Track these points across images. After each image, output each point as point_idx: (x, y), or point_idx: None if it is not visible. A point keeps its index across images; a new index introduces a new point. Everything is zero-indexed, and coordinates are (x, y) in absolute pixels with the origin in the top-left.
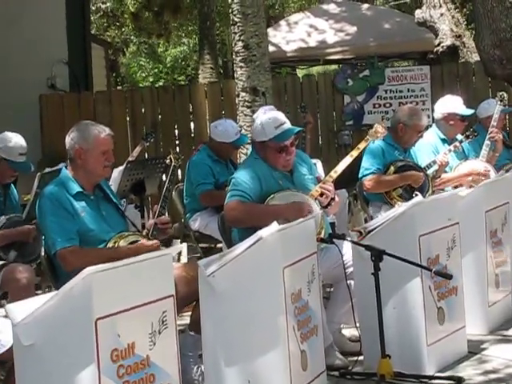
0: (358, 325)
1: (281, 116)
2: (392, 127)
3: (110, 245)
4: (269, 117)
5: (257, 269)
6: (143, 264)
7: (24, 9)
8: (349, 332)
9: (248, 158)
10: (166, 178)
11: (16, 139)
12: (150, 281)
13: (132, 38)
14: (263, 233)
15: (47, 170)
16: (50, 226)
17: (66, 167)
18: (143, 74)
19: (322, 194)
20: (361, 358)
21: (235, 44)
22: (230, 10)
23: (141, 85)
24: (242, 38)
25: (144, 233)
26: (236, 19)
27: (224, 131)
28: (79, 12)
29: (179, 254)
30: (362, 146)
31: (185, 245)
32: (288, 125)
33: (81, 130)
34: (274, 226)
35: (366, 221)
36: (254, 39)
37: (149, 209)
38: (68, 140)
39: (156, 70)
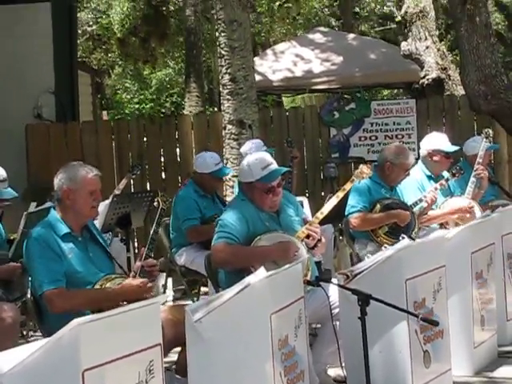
0: (343, 365)
1: (267, 157)
2: (379, 165)
3: (97, 287)
4: (255, 157)
5: (244, 315)
6: (130, 314)
7: (11, 38)
8: (334, 372)
9: (235, 200)
10: (153, 220)
11: None
12: (138, 330)
13: (118, 60)
14: (251, 279)
15: (33, 209)
16: (37, 267)
17: (54, 208)
18: (128, 96)
19: (308, 236)
20: None
21: (222, 77)
22: (218, 43)
23: (126, 110)
24: (228, 70)
25: (131, 275)
26: (223, 52)
27: (203, 162)
28: (66, 41)
29: (164, 287)
30: (347, 186)
31: (170, 279)
32: (275, 165)
33: (69, 171)
34: (262, 273)
35: (351, 256)
36: (241, 72)
37: (134, 242)
38: (56, 181)
39: (141, 96)
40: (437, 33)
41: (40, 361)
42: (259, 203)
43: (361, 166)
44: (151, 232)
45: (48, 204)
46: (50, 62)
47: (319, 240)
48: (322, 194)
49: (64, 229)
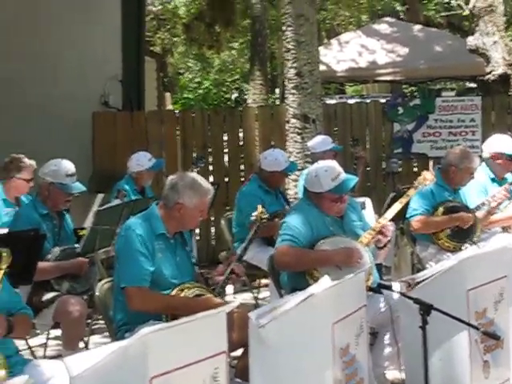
0: (402, 367)
1: (336, 166)
2: (443, 169)
3: (174, 292)
4: (325, 167)
5: (307, 324)
6: (197, 322)
7: (79, 25)
8: (392, 375)
9: (300, 203)
10: (217, 212)
11: (62, 162)
12: (204, 338)
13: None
14: (315, 289)
15: (100, 202)
16: (128, 260)
17: (157, 204)
18: (190, 76)
19: (381, 232)
20: None
21: (287, 71)
22: (284, 37)
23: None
24: (294, 65)
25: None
26: (289, 46)
27: (274, 160)
28: (135, 29)
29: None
30: (410, 192)
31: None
32: (343, 175)
33: (188, 187)
34: (326, 282)
35: (412, 255)
36: (306, 67)
37: (195, 236)
38: (170, 187)
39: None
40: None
41: (109, 366)
42: (326, 210)
43: (424, 172)
44: (244, 246)
45: (116, 202)
46: (117, 50)
47: (388, 241)
48: (384, 188)
49: (161, 228)
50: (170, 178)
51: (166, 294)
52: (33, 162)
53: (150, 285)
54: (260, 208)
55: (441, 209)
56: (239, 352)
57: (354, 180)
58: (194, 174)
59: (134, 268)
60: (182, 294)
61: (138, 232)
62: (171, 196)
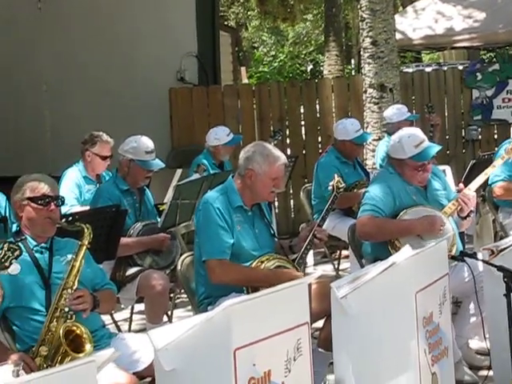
0: (487, 337)
1: (420, 133)
2: None
3: (255, 264)
4: (408, 134)
5: (389, 293)
6: (280, 293)
7: (154, 3)
8: (476, 344)
9: (383, 172)
10: (315, 200)
11: (141, 139)
12: (286, 309)
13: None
14: (396, 258)
15: (178, 176)
16: (208, 234)
17: (232, 177)
18: (264, 50)
19: (462, 202)
20: (491, 373)
21: (363, 40)
22: (359, 6)
23: (265, 68)
24: (370, 34)
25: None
26: (364, 15)
27: (343, 129)
28: (209, 5)
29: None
30: (497, 163)
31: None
32: (427, 143)
33: (258, 153)
34: (408, 251)
35: (494, 222)
36: (382, 35)
37: (275, 208)
38: (243, 156)
39: (279, 50)
40: None
41: (193, 339)
42: (409, 179)
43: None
44: (320, 217)
45: (195, 176)
46: (192, 26)
47: (472, 211)
48: (464, 156)
49: (238, 201)
50: (244, 148)
51: (246, 266)
52: (110, 139)
53: (230, 257)
54: (336, 177)
55: None
56: (321, 323)
57: (436, 148)
58: (266, 144)
59: (214, 241)
60: (262, 266)
61: (216, 205)
62: (243, 164)
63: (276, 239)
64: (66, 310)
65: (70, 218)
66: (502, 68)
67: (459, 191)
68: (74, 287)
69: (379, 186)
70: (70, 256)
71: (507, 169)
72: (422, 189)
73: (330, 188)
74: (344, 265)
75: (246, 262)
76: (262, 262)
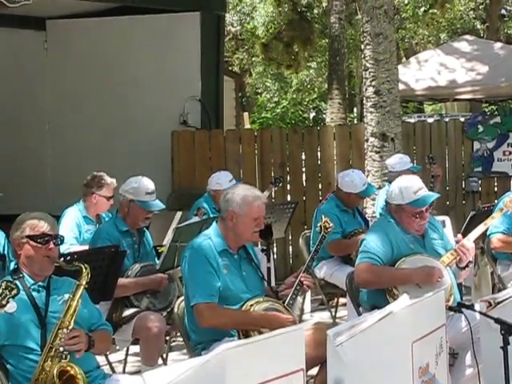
0: None
1: (418, 181)
2: None
3: (244, 307)
4: (407, 181)
5: (385, 342)
6: (275, 339)
7: (160, 47)
8: None
9: (380, 220)
10: (308, 244)
11: (142, 180)
12: (282, 355)
13: (260, 62)
14: (394, 307)
15: (178, 218)
16: (195, 279)
17: (216, 222)
18: (268, 96)
19: (461, 252)
20: None
21: (366, 89)
22: (362, 56)
23: (268, 114)
24: (373, 83)
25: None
26: (368, 65)
27: (350, 182)
28: (214, 50)
29: (303, 300)
30: (496, 215)
31: (308, 293)
32: (425, 190)
33: (236, 194)
34: (405, 300)
35: (492, 275)
36: (385, 85)
37: (274, 253)
38: (223, 199)
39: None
40: None
41: (187, 382)
42: (406, 226)
43: (509, 193)
44: (308, 258)
45: (195, 219)
46: (197, 71)
47: (470, 261)
48: (464, 207)
49: (222, 245)
50: (223, 192)
51: (235, 309)
52: (113, 180)
53: (219, 301)
54: (323, 218)
55: None
56: (315, 370)
57: (434, 195)
58: (244, 185)
59: (201, 285)
60: (252, 309)
61: (201, 251)
62: (224, 206)
63: (266, 283)
64: (61, 349)
65: (69, 258)
66: (503, 121)
67: (458, 242)
68: (70, 327)
69: (377, 234)
70: (67, 295)
71: (506, 221)
72: (419, 237)
73: (317, 229)
74: (341, 312)
75: (235, 306)
76: (252, 305)
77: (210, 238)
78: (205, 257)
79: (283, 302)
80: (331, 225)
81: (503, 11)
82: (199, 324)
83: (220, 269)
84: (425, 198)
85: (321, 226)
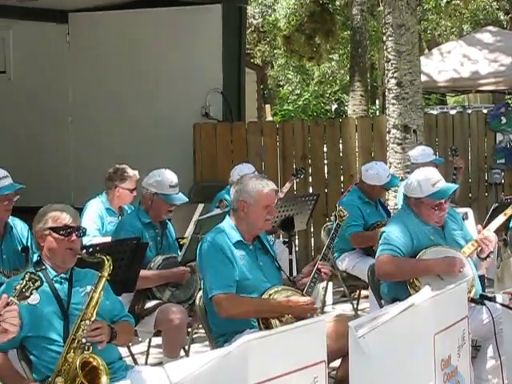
0: (506, 382)
1: (436, 173)
2: None
3: (265, 297)
4: (425, 173)
5: (407, 334)
6: (297, 331)
7: (182, 39)
8: None
9: (399, 212)
10: (329, 235)
11: (165, 173)
12: (303, 347)
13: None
14: (416, 299)
15: (200, 211)
16: (211, 271)
17: (229, 215)
18: (290, 88)
19: (483, 243)
20: None
21: (388, 81)
22: (385, 47)
23: (290, 106)
24: (395, 75)
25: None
26: (390, 56)
27: (375, 174)
28: (235, 42)
29: (325, 289)
30: None
31: (330, 285)
32: (443, 182)
33: (246, 184)
34: (427, 292)
35: None
36: (407, 77)
37: (296, 245)
38: (233, 191)
39: (304, 88)
40: None
41: (210, 373)
42: (425, 218)
43: None
44: (324, 247)
45: (216, 211)
46: (218, 63)
47: (491, 252)
48: (487, 199)
49: (237, 236)
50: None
51: (253, 298)
52: (136, 172)
53: (237, 292)
54: (338, 206)
55: None
56: (337, 362)
57: (453, 187)
58: (252, 175)
59: (218, 276)
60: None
61: (215, 243)
62: (234, 198)
63: (283, 273)
64: (84, 341)
65: (91, 250)
66: None
67: (478, 232)
68: (92, 318)
69: (397, 225)
70: (89, 287)
71: None
72: (439, 229)
73: (332, 218)
74: (363, 305)
75: (255, 295)
76: (270, 294)
77: (224, 230)
78: (220, 248)
79: (302, 291)
80: (346, 213)
81: None
82: (219, 315)
83: (236, 259)
84: (444, 189)
85: (335, 215)
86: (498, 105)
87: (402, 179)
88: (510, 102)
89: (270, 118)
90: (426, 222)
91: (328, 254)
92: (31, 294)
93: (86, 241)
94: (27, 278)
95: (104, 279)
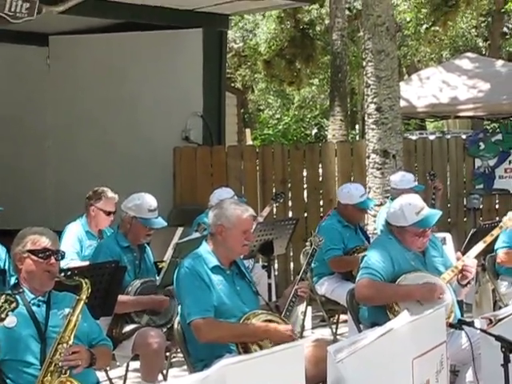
0: None
1: (419, 200)
2: None
3: (243, 321)
4: (408, 201)
5: (386, 359)
6: (275, 355)
7: (163, 63)
8: None
9: (381, 237)
10: (305, 260)
11: (144, 197)
12: (281, 372)
13: (263, 78)
14: (394, 324)
15: (179, 234)
16: (188, 296)
17: (205, 240)
18: (270, 112)
19: (462, 271)
20: None
21: (368, 106)
22: (364, 72)
23: (270, 130)
24: (374, 100)
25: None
26: (370, 82)
27: (347, 193)
28: (216, 67)
29: (304, 314)
30: (495, 232)
31: (309, 309)
32: (427, 209)
33: (224, 209)
34: (405, 317)
35: (493, 292)
36: (386, 102)
37: (275, 269)
38: (211, 216)
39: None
40: None
41: None
42: (409, 245)
43: (509, 213)
44: (301, 272)
45: (195, 235)
46: (199, 87)
47: (472, 278)
48: (465, 224)
49: (214, 261)
50: (211, 208)
51: (232, 322)
52: (115, 195)
53: (215, 317)
54: (313, 232)
55: None
56: None
57: (437, 214)
58: (230, 200)
59: (196, 301)
60: (249, 322)
61: (192, 268)
62: (213, 222)
63: (261, 298)
64: (61, 364)
65: (69, 273)
66: (504, 138)
67: (458, 259)
68: (70, 342)
69: (378, 250)
70: (67, 310)
71: (508, 236)
72: (420, 254)
73: (307, 243)
74: (342, 329)
75: (232, 320)
76: (248, 319)
77: (201, 255)
78: (197, 274)
79: (280, 314)
80: (321, 238)
81: (505, 29)
82: (198, 340)
83: (213, 284)
84: (428, 217)
85: (311, 240)
86: (476, 131)
87: (382, 204)
88: (488, 127)
89: (250, 142)
90: (407, 248)
91: (305, 278)
92: (7, 315)
93: (64, 264)
94: (3, 300)
95: (82, 302)
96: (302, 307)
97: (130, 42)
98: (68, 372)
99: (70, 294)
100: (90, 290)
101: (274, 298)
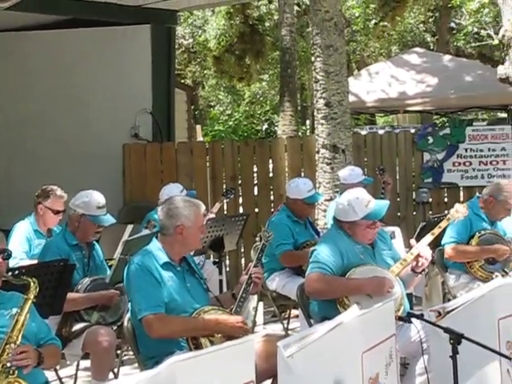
0: None
1: (366, 194)
2: (482, 198)
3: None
4: (356, 196)
5: (336, 353)
6: (225, 351)
7: (110, 59)
8: None
9: (330, 231)
10: (255, 255)
11: (92, 194)
12: (232, 367)
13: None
14: (344, 318)
15: (129, 232)
16: (138, 292)
17: (156, 237)
18: (221, 108)
19: (418, 257)
20: None
21: (317, 101)
22: (313, 68)
23: (220, 126)
24: (323, 95)
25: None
26: (318, 77)
27: (295, 188)
28: (165, 63)
29: (255, 309)
30: (443, 224)
31: (261, 305)
32: (374, 201)
33: (180, 208)
34: (355, 311)
35: (442, 285)
36: (335, 97)
37: (226, 266)
38: (163, 215)
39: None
40: None
41: None
42: (360, 238)
43: (456, 205)
44: (252, 265)
45: (145, 232)
46: (148, 83)
47: (423, 269)
48: (414, 218)
49: (164, 257)
50: (160, 208)
51: (183, 317)
52: (64, 194)
53: (166, 313)
54: (262, 228)
55: (476, 238)
56: (268, 382)
57: (386, 205)
58: (179, 197)
59: (146, 297)
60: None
61: (142, 265)
62: (169, 223)
63: (211, 294)
64: (9, 365)
65: (17, 272)
66: (452, 132)
67: (411, 247)
68: (18, 342)
69: (327, 244)
70: (14, 310)
71: (462, 231)
72: (369, 248)
73: (257, 239)
74: (294, 324)
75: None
76: (199, 314)
77: (151, 252)
78: (147, 270)
79: (231, 310)
80: (270, 234)
81: (452, 24)
82: (150, 336)
83: (164, 280)
84: (378, 209)
85: (260, 235)
86: (425, 125)
87: (332, 199)
88: (437, 122)
89: (200, 139)
90: (357, 242)
91: (258, 266)
92: None
93: (13, 263)
94: None
95: (30, 302)
96: (253, 303)
97: (79, 39)
98: (16, 372)
99: (17, 294)
100: (38, 289)
101: None
